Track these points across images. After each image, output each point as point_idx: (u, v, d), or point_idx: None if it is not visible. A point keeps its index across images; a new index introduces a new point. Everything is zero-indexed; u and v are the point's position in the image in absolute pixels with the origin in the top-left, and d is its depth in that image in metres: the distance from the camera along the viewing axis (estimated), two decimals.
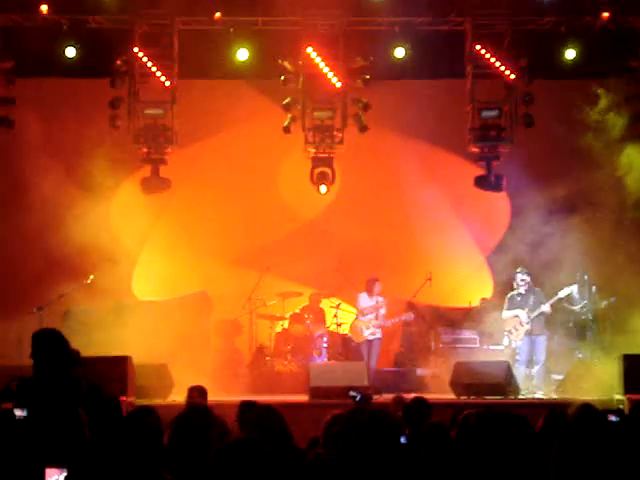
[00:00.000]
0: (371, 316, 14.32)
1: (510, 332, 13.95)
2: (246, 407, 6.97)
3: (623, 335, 13.44)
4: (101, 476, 4.65)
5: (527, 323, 13.77)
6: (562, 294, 13.88)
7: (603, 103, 14.09)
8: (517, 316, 13.87)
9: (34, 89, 14.82)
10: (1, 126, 14.07)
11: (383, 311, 14.34)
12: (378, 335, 14.33)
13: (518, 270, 14.00)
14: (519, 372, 13.55)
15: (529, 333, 13.80)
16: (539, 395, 13.35)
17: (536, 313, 13.74)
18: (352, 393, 7.76)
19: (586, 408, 5.83)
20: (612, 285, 14.20)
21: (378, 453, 4.50)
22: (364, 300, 14.39)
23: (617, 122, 14.04)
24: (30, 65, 14.30)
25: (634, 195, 13.89)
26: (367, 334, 14.28)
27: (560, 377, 13.69)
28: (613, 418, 7.35)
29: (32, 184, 14.69)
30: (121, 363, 11.99)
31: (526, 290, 13.91)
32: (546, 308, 13.78)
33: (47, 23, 13.97)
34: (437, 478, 5.08)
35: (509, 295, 14.08)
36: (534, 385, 13.60)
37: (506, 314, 14.00)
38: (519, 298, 13.92)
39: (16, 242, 15.40)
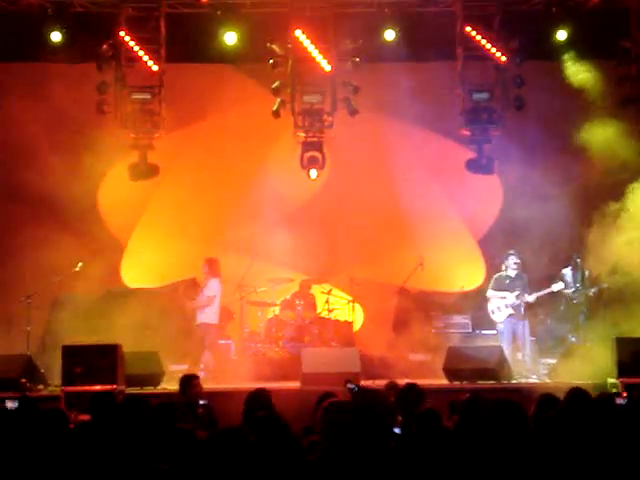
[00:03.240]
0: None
1: (492, 312, 14.01)
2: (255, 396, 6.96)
3: (616, 318, 13.41)
4: (94, 467, 4.60)
5: (511, 306, 13.81)
6: (555, 288, 13.92)
7: (593, 84, 14.05)
8: (505, 298, 13.91)
9: (20, 75, 14.68)
10: None
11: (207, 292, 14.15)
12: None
13: (511, 252, 14.03)
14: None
15: (512, 316, 13.82)
16: (533, 379, 13.32)
17: (519, 301, 13.83)
18: (350, 385, 7.68)
19: (576, 392, 5.77)
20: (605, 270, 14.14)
21: (373, 440, 4.45)
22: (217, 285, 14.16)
23: (607, 103, 13.99)
24: (16, 50, 14.14)
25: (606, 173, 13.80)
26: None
27: (552, 361, 13.68)
28: (621, 401, 7.29)
29: (19, 172, 14.58)
30: (111, 351, 11.91)
31: (516, 274, 13.95)
32: (531, 299, 13.90)
33: (32, 8, 13.79)
34: (430, 464, 5.00)
35: (496, 275, 14.16)
36: (527, 369, 13.58)
37: (492, 293, 14.09)
38: (507, 280, 14.00)
39: (3, 231, 15.27)
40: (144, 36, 13.96)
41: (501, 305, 13.98)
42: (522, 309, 13.92)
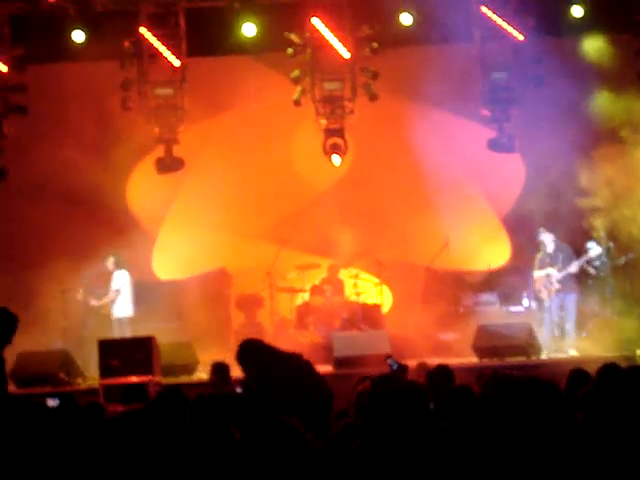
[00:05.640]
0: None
1: (539, 291, 13.90)
2: None
3: None
4: (132, 457, 4.74)
5: (558, 282, 13.71)
6: (592, 254, 13.82)
7: (610, 59, 14.08)
8: (549, 275, 13.78)
9: (45, 75, 14.89)
10: (14, 113, 14.14)
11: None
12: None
13: (541, 230, 13.92)
14: (547, 331, 13.55)
15: (559, 291, 13.77)
16: (572, 353, 13.26)
17: (564, 273, 13.65)
18: (389, 361, 7.71)
19: (608, 368, 5.83)
20: (629, 239, 14.18)
21: (406, 422, 4.53)
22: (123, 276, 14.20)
23: (625, 77, 14.01)
24: (40, 52, 14.34)
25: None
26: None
27: (582, 335, 13.72)
28: None
29: (47, 169, 14.82)
30: (146, 343, 12.13)
31: (555, 248, 13.83)
32: (574, 269, 13.72)
33: (54, 9, 14.00)
34: (464, 443, 5.13)
35: (538, 256, 13.94)
36: (567, 344, 13.51)
37: (537, 274, 13.90)
38: (548, 258, 13.82)
39: (36, 227, 15.50)
40: (164, 32, 14.15)
41: (546, 283, 13.78)
42: (570, 281, 13.79)
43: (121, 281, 14.09)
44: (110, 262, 14.11)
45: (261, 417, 4.18)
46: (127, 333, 13.81)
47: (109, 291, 14.10)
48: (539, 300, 14.04)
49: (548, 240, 13.82)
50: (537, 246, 14.02)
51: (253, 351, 7.56)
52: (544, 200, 14.52)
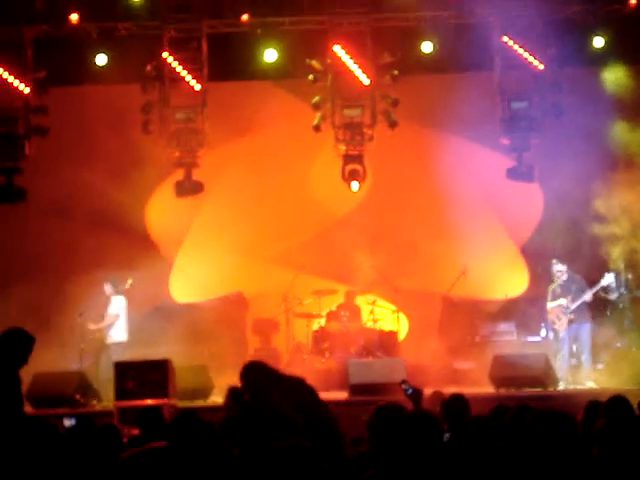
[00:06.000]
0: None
1: (553, 322, 13.88)
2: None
3: None
4: None
5: (570, 312, 13.66)
6: (605, 282, 13.75)
7: (631, 90, 14.09)
8: (561, 305, 13.75)
9: (67, 97, 15.03)
10: (36, 134, 14.26)
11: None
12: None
13: (553, 261, 13.93)
14: (563, 362, 13.48)
15: (573, 322, 13.69)
16: (589, 385, 13.17)
17: (578, 303, 13.60)
18: (404, 385, 7.64)
19: (618, 400, 5.80)
20: None
21: (419, 452, 4.51)
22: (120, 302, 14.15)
23: None
24: (62, 74, 14.49)
25: None
26: None
27: (599, 366, 13.63)
28: None
29: (68, 191, 14.93)
30: (162, 366, 12.11)
31: (566, 280, 13.81)
32: (587, 297, 13.63)
33: (77, 32, 14.17)
34: (481, 473, 5.09)
35: (550, 287, 13.94)
36: (583, 375, 13.44)
37: (549, 305, 13.89)
38: (559, 289, 13.81)
39: (56, 248, 15.60)
40: (186, 56, 14.28)
41: (559, 313, 13.74)
42: (584, 311, 13.72)
43: (118, 306, 14.08)
44: (107, 287, 14.10)
45: (258, 437, 4.15)
46: (125, 357, 13.77)
47: (106, 315, 14.06)
48: (555, 331, 13.99)
49: (560, 272, 13.81)
50: (547, 274, 14.01)
51: (255, 371, 7.71)
52: (563, 229, 14.50)
